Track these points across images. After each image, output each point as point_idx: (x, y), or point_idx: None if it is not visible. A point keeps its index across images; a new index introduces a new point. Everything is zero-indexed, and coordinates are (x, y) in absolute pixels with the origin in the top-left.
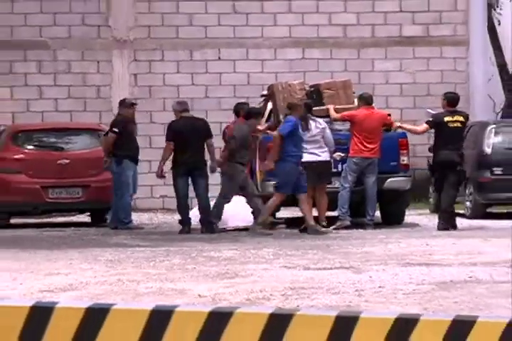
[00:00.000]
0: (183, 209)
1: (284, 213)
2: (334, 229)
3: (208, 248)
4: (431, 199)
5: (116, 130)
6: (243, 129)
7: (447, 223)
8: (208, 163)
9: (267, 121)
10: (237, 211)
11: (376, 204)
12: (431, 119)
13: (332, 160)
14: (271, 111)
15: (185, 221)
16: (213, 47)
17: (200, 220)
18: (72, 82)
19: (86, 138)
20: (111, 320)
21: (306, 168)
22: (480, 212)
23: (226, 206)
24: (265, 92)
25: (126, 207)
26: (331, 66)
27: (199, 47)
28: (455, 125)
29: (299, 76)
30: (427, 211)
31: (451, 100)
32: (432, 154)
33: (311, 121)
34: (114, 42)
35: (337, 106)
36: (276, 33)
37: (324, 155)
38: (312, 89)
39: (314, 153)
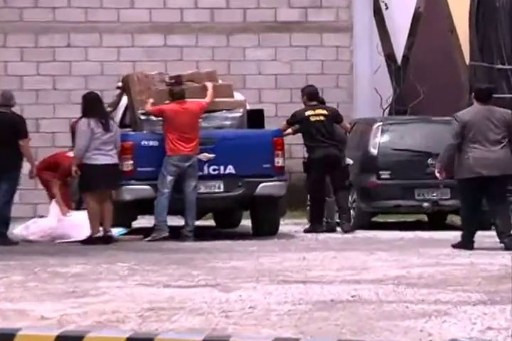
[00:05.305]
0: None
1: (141, 222)
2: (149, 241)
3: (52, 262)
4: (308, 207)
5: None
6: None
7: (350, 223)
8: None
9: (123, 117)
10: (79, 223)
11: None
12: (290, 117)
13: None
14: (127, 106)
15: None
16: (62, 31)
17: None
18: None
19: None
20: None
21: (99, 171)
22: (364, 222)
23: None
24: (120, 84)
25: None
26: (196, 54)
27: (45, 31)
28: (317, 118)
29: (160, 65)
30: (305, 220)
31: (310, 94)
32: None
33: (111, 121)
34: None
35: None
36: (134, 17)
37: (116, 158)
38: (173, 80)
39: (109, 155)
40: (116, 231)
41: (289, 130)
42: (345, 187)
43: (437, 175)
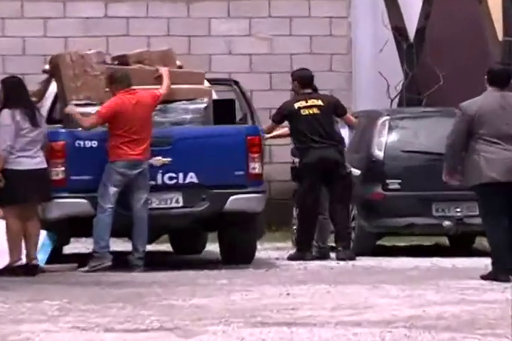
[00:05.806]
0: None
1: (76, 247)
2: (86, 271)
3: None
4: (294, 227)
5: None
6: None
7: (348, 249)
8: None
9: (52, 106)
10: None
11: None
12: (276, 112)
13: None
14: (56, 95)
15: None
16: None
17: None
18: None
19: None
20: None
21: (25, 178)
22: (367, 246)
23: None
24: (48, 67)
25: None
26: (147, 28)
27: None
28: (310, 111)
29: (100, 42)
30: (290, 244)
31: (303, 79)
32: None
33: (37, 114)
34: None
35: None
36: None
37: (45, 161)
38: (116, 62)
39: (38, 157)
40: (42, 244)
41: (282, 130)
42: (345, 201)
43: (444, 178)
